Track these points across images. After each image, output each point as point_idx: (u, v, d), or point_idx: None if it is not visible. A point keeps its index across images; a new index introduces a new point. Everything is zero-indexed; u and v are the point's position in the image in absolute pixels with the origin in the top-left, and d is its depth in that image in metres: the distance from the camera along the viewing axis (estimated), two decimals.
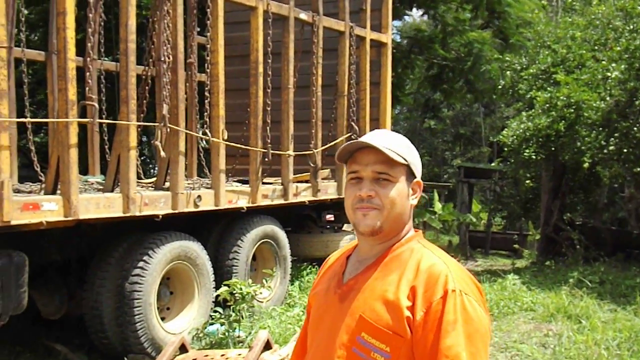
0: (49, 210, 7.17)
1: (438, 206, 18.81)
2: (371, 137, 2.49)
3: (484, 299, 2.42)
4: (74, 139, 7.38)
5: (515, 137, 12.65)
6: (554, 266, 12.88)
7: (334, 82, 11.33)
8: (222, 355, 7.22)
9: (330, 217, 12.16)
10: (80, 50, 8.01)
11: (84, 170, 9.79)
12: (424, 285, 2.32)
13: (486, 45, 18.61)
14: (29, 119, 8.80)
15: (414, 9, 19.79)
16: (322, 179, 11.03)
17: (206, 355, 7.27)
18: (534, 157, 12.64)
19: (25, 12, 9.90)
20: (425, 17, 21.57)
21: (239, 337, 8.22)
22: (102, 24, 8.76)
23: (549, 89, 12.57)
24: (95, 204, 7.65)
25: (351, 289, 2.49)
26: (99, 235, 8.45)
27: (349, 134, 11.25)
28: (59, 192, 7.38)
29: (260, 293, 9.38)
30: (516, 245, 16.49)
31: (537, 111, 12.35)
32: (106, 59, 9.21)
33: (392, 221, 2.46)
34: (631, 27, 12.38)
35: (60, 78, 7.48)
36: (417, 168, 2.54)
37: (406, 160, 2.46)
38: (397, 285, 2.36)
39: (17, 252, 7.02)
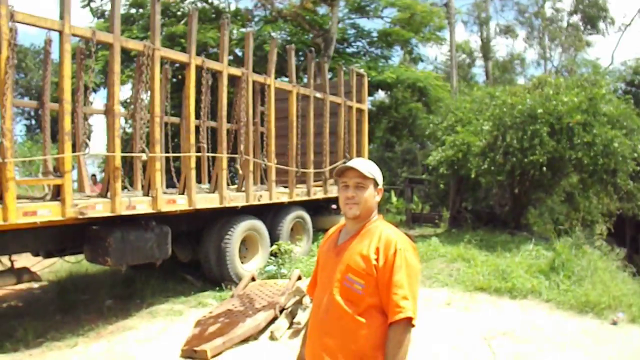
0: (181, 203, 7.53)
1: (394, 200, 19.15)
2: (353, 162, 2.67)
3: (417, 253, 2.62)
4: (193, 164, 7.76)
5: (435, 161, 12.84)
6: (457, 232, 13.09)
7: (335, 131, 11.59)
8: (275, 283, 7.61)
9: (334, 206, 12.20)
10: (197, 115, 8.19)
11: (198, 180, 10.29)
12: (383, 246, 2.53)
13: (419, 111, 19.05)
14: (171, 154, 9.27)
15: (380, 90, 20.15)
16: (329, 185, 11.30)
17: (266, 283, 7.68)
18: (445, 172, 12.91)
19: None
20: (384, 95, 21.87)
21: (283, 273, 8.42)
22: (210, 100, 9.14)
23: (453, 135, 12.86)
24: (205, 200, 8.02)
25: (342, 249, 2.66)
26: (207, 217, 8.58)
27: (344, 160, 11.31)
28: (186, 193, 7.68)
29: (295, 249, 9.63)
30: (437, 221, 16.69)
31: (447, 147, 12.61)
32: (214, 121, 9.56)
33: (365, 211, 2.64)
34: (494, 102, 12.80)
35: (185, 130, 8.01)
36: (379, 180, 2.69)
37: (373, 176, 2.64)
38: (368, 246, 2.56)
39: (165, 225, 7.39)
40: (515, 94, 12.94)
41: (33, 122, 29.64)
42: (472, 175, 12.02)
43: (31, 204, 5.82)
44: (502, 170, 11.77)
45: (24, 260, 7.59)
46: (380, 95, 21.99)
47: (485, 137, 12.10)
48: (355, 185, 2.65)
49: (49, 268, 8.38)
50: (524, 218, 14.22)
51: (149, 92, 7.34)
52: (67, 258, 7.81)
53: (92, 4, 18.48)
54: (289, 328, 6.33)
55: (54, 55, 7.00)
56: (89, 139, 6.85)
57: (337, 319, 2.56)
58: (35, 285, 7.82)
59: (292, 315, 6.53)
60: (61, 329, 6.60)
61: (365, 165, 2.68)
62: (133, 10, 18.69)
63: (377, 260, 2.52)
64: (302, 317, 6.40)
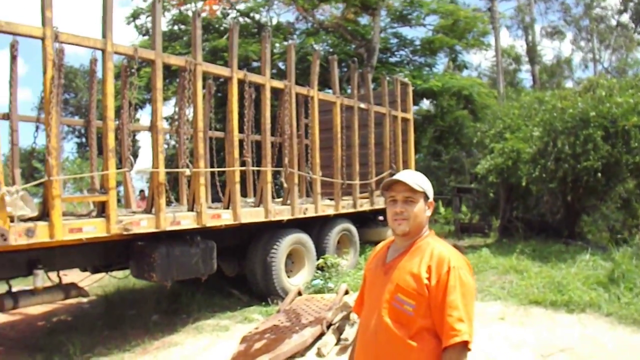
0: (225, 218, 7.49)
1: (442, 210, 18.78)
2: (401, 175, 2.54)
3: (471, 271, 2.46)
4: (237, 178, 7.72)
5: (484, 169, 12.56)
6: (508, 242, 12.72)
7: (381, 141, 11.39)
8: (322, 297, 7.45)
9: (380, 218, 12.03)
10: (240, 129, 8.22)
11: (244, 194, 10.29)
12: (436, 264, 2.37)
13: (465, 118, 18.72)
14: (215, 169, 9.32)
15: (425, 99, 19.89)
16: (376, 196, 11.12)
17: (313, 297, 7.52)
18: (494, 180, 12.62)
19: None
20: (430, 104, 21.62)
21: (330, 287, 8.30)
22: (253, 115, 9.13)
23: (501, 142, 12.57)
24: (250, 214, 7.94)
25: (391, 267, 2.51)
26: (252, 231, 8.53)
27: (390, 171, 11.31)
28: (230, 207, 7.66)
29: (342, 262, 9.53)
30: (486, 231, 16.26)
31: (496, 155, 12.34)
32: (258, 135, 9.48)
33: (415, 227, 2.50)
34: (543, 107, 12.45)
35: (229, 144, 8.03)
36: (430, 193, 2.54)
37: (423, 189, 2.49)
38: (419, 265, 2.40)
39: (210, 240, 7.35)
40: (565, 97, 12.51)
41: (83, 139, 30.44)
42: (523, 183, 11.71)
43: (77, 220, 5.86)
44: (553, 177, 11.41)
45: (73, 275, 7.69)
46: (426, 104, 21.76)
47: (535, 144, 11.78)
48: (404, 200, 2.52)
49: (97, 283, 8.44)
50: (578, 226, 13.74)
51: (192, 107, 7.34)
52: (114, 273, 7.84)
53: (137, 22, 18.84)
54: (336, 344, 6.15)
55: (100, 73, 7.09)
56: (133, 156, 6.87)
57: (386, 342, 2.41)
58: (84, 300, 7.89)
59: (339, 331, 6.36)
60: (108, 344, 6.63)
61: (414, 178, 2.55)
62: (175, 27, 18.97)
63: (428, 279, 2.38)
64: (349, 333, 6.24)
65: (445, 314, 2.31)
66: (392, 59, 20.65)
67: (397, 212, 2.52)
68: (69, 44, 5.86)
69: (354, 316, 6.51)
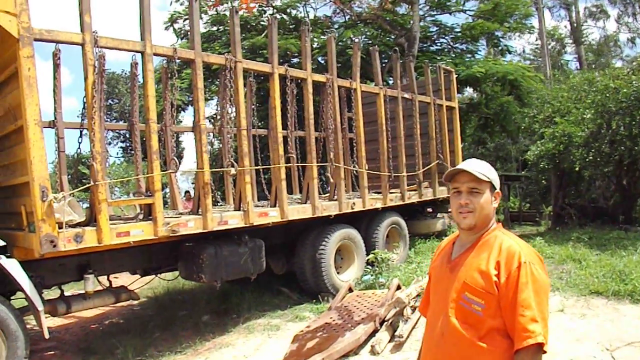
0: (273, 215, 7.39)
1: None
2: (466, 165, 2.38)
3: (544, 266, 2.27)
4: (283, 175, 7.61)
5: (534, 156, 12.16)
6: (562, 230, 12.29)
7: (426, 131, 11.16)
8: (373, 293, 7.31)
9: (429, 209, 11.85)
10: (284, 125, 8.07)
11: (290, 191, 10.18)
12: (505, 260, 2.21)
13: (511, 104, 18.18)
14: (260, 167, 9.15)
15: (468, 87, 19.41)
16: (424, 188, 10.87)
17: (364, 293, 7.39)
18: (546, 167, 12.18)
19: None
20: (473, 92, 21.12)
21: (381, 282, 8.10)
22: (296, 111, 8.98)
23: (551, 127, 12.14)
24: (297, 211, 7.83)
25: (457, 264, 2.37)
26: (300, 228, 8.47)
27: (437, 161, 11.06)
28: (277, 205, 7.57)
29: (392, 256, 9.28)
30: (537, 219, 15.83)
31: (546, 140, 11.90)
32: (301, 130, 9.35)
33: (482, 220, 2.34)
34: (594, 89, 11.95)
35: (273, 141, 7.85)
36: (497, 183, 2.38)
37: (489, 178, 2.33)
38: (487, 260, 2.25)
39: (258, 239, 7.32)
40: (617, 77, 11.96)
41: (128, 143, 30.98)
42: (576, 169, 11.29)
43: (124, 224, 5.81)
44: (609, 161, 10.96)
45: (124, 278, 7.80)
46: (469, 92, 21.25)
47: (587, 127, 11.34)
48: (469, 191, 2.35)
49: (147, 285, 8.49)
50: (635, 211, 13.16)
51: (234, 106, 7.24)
52: (163, 275, 7.84)
53: (175, 26, 18.92)
54: (390, 341, 5.99)
55: (141, 77, 7.06)
56: (178, 157, 6.82)
57: (454, 344, 2.26)
58: (135, 302, 7.91)
59: (392, 327, 6.18)
60: (160, 346, 6.64)
61: (479, 167, 2.37)
62: (214, 28, 18.98)
63: (497, 276, 2.20)
64: (403, 329, 6.06)
65: (517, 313, 2.13)
66: (433, 48, 20.24)
67: (462, 204, 2.35)
68: (109, 48, 5.83)
69: (407, 311, 6.39)
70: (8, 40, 5.10)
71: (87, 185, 5.53)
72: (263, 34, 17.19)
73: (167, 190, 10.63)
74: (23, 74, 5.00)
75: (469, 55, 19.76)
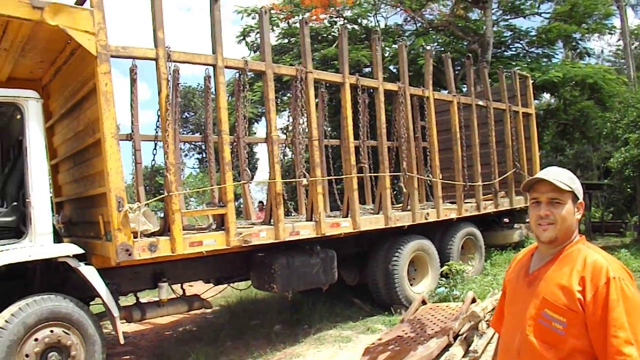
0: (344, 226, 7.34)
1: None
2: (545, 173, 2.21)
3: (634, 281, 2.05)
4: (355, 185, 7.53)
5: (618, 163, 11.57)
6: None
7: (502, 139, 10.76)
8: (447, 306, 7.06)
9: (506, 220, 11.47)
10: (356, 135, 8.05)
11: (363, 201, 10.07)
12: (590, 275, 2.01)
13: (591, 109, 17.34)
14: (332, 177, 9.17)
15: (544, 92, 18.65)
16: (500, 197, 10.55)
17: (438, 306, 7.16)
18: (631, 174, 11.55)
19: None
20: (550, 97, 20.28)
21: (455, 295, 7.88)
22: (368, 120, 8.86)
23: (636, 132, 11.50)
24: (369, 221, 7.74)
25: (535, 278, 2.19)
26: (373, 238, 8.36)
27: (514, 170, 10.68)
28: (349, 215, 7.51)
29: (467, 268, 9.06)
30: (622, 229, 15.01)
31: (631, 146, 11.24)
32: (373, 140, 9.27)
33: (564, 232, 2.16)
34: None
35: (345, 151, 7.84)
36: (579, 193, 2.20)
37: (571, 188, 2.15)
38: (570, 275, 2.06)
39: (330, 250, 7.27)
40: None
41: (204, 155, 31.78)
42: None
43: (197, 234, 5.90)
44: None
45: (198, 286, 7.88)
46: (546, 97, 20.44)
47: None
48: (549, 202, 2.16)
49: (220, 294, 8.56)
50: None
51: (305, 116, 7.21)
52: (236, 284, 7.90)
53: (247, 39, 19.20)
54: (464, 357, 5.74)
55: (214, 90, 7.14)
56: (252, 168, 6.86)
57: None
58: (208, 310, 7.99)
59: (467, 342, 5.93)
60: (231, 355, 6.65)
61: (560, 175, 2.18)
62: (285, 41, 19.15)
63: (582, 292, 2.00)
64: (478, 344, 5.82)
65: (609, 334, 1.92)
66: (507, 53, 19.62)
67: (542, 215, 2.16)
68: (181, 62, 5.95)
69: (482, 326, 6.14)
70: (87, 57, 5.29)
71: (161, 196, 5.63)
72: (334, 45, 17.18)
73: (242, 200, 10.70)
74: (100, 90, 5.16)
75: (545, 60, 19.03)
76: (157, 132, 6.25)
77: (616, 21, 21.67)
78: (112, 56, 5.30)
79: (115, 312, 5.38)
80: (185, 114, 35.50)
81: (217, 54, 6.06)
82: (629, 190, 13.77)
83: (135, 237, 5.28)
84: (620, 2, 21.47)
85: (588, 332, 1.98)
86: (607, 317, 1.93)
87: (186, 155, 34.89)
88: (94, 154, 5.75)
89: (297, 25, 17.61)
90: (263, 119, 19.04)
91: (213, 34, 6.10)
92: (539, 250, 2.28)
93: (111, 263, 5.32)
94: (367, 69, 16.96)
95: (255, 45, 19.15)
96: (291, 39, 19.12)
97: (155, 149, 6.40)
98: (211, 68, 6.30)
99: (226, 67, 6.19)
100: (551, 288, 2.09)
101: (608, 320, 1.92)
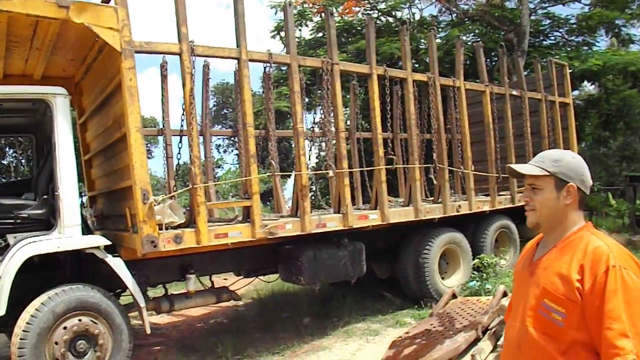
0: (373, 218, 7.30)
1: (612, 201, 16.89)
2: (520, 164, 2.19)
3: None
4: (383, 178, 7.46)
5: None
6: None
7: (537, 130, 10.44)
8: (478, 300, 6.90)
9: None
10: (386, 127, 8.03)
11: (396, 194, 10.00)
12: (590, 263, 1.92)
13: (635, 98, 16.75)
14: (358, 169, 9.18)
15: (585, 82, 18.07)
16: None
17: (468, 300, 7.02)
18: None
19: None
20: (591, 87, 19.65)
21: (487, 289, 7.74)
22: (400, 112, 8.75)
23: None
24: (398, 214, 7.67)
25: (536, 267, 2.11)
26: (404, 231, 8.27)
27: None
28: (378, 207, 7.44)
29: (500, 262, 8.90)
30: None
31: None
32: (404, 133, 9.11)
33: (546, 218, 2.09)
34: None
35: (374, 143, 7.71)
36: (566, 176, 2.05)
37: (548, 172, 2.05)
38: (570, 263, 1.97)
39: (358, 242, 7.22)
40: None
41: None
42: None
43: (222, 226, 5.95)
44: None
45: (231, 278, 7.97)
46: (588, 88, 19.83)
47: None
48: (529, 187, 2.13)
49: (252, 286, 8.63)
50: None
51: (333, 108, 7.18)
52: (265, 277, 7.93)
53: (282, 33, 19.19)
54: (492, 351, 5.59)
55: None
56: (288, 163, 6.90)
57: (532, 357, 2.01)
58: (240, 302, 8.08)
59: (495, 336, 5.79)
60: (259, 347, 6.69)
61: (540, 159, 2.12)
62: (319, 34, 19.06)
63: (581, 281, 1.91)
64: None
65: (603, 325, 1.83)
66: (546, 42, 19.08)
67: (523, 201, 2.18)
68: (205, 56, 6.03)
69: None
70: (113, 54, 5.40)
71: (187, 188, 5.69)
72: None
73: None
74: (125, 85, 5.25)
75: (586, 48, 18.46)
76: (182, 126, 6.30)
77: None
78: (136, 52, 5.37)
79: (142, 303, 5.49)
80: (225, 110, 35.82)
81: (241, 47, 6.07)
82: None
83: (160, 229, 5.36)
84: None
85: (587, 324, 1.90)
86: (603, 307, 1.84)
87: (225, 151, 35.24)
88: (121, 148, 5.85)
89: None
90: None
91: (237, 27, 6.11)
92: (544, 239, 2.20)
93: (137, 254, 5.41)
94: (401, 62, 16.76)
95: None
96: (325, 33, 19.01)
97: (180, 142, 6.47)
98: (236, 61, 6.30)
99: (250, 60, 6.20)
100: (551, 277, 2.01)
101: (604, 311, 1.84)
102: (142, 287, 5.73)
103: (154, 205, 5.26)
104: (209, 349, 6.60)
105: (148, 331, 5.52)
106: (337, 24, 17.69)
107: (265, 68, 6.68)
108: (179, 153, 6.48)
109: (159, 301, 6.21)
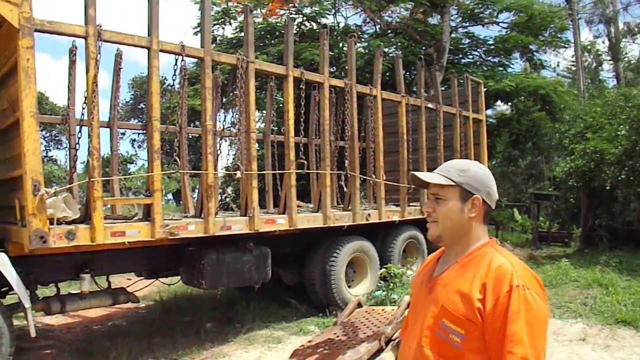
0: (280, 223, 7.19)
1: (518, 217, 17.71)
2: (425, 173, 2.05)
3: (544, 292, 1.85)
4: (293, 182, 7.40)
5: (563, 173, 11.77)
6: (590, 253, 11.77)
7: (451, 144, 10.70)
8: (383, 309, 6.92)
9: None
10: (299, 132, 7.99)
11: (308, 200, 9.96)
12: (493, 281, 1.79)
13: (543, 120, 17.66)
14: (272, 172, 9.11)
15: (499, 101, 18.90)
16: None
17: (373, 309, 7.02)
18: (575, 184, 11.72)
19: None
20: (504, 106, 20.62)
21: (393, 299, 7.82)
22: (317, 119, 8.64)
23: (582, 143, 11.70)
24: (307, 219, 7.61)
25: (436, 283, 1.96)
26: (312, 238, 8.22)
27: None
28: (286, 212, 7.32)
29: (406, 272, 8.93)
30: (567, 240, 15.32)
31: (576, 157, 11.42)
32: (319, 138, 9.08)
33: (449, 231, 1.96)
34: (630, 104, 11.49)
35: (286, 147, 7.66)
36: (472, 187, 1.93)
37: (455, 182, 1.93)
38: (471, 281, 1.84)
39: (264, 247, 7.11)
40: None
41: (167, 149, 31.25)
42: (607, 188, 10.85)
43: (120, 224, 5.65)
44: None
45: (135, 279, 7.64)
46: (501, 107, 20.71)
47: (621, 143, 10.92)
48: (432, 197, 1.99)
49: (155, 287, 8.32)
50: None
51: (244, 108, 7.03)
52: (165, 280, 7.67)
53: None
54: None
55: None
56: (179, 157, 6.65)
57: None
58: (141, 305, 7.76)
59: (398, 347, 5.81)
60: (156, 352, 6.45)
61: (445, 169, 2.00)
62: (242, 34, 18.87)
63: (482, 301, 1.79)
64: None
65: (505, 349, 1.72)
66: (464, 60, 19.79)
67: (425, 211, 2.03)
68: (113, 42, 5.68)
69: None
70: (11, 30, 5.02)
71: (82, 181, 5.40)
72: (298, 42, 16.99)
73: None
74: (22, 65, 4.92)
75: (501, 69, 19.29)
76: (83, 115, 5.98)
77: (571, 36, 22.19)
78: (36, 30, 5.03)
79: (27, 303, 5.11)
80: (142, 104, 34.76)
81: (152, 36, 5.84)
82: (572, 200, 14.04)
83: (52, 223, 5.02)
84: (574, 16, 21.96)
85: (487, 347, 1.78)
86: (505, 330, 1.73)
87: (140, 146, 34.19)
88: (15, 134, 5.43)
89: (257, 19, 17.42)
90: (222, 111, 18.82)
91: (150, 15, 5.88)
92: (445, 253, 2.06)
93: (25, 250, 5.05)
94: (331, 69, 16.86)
95: (214, 37, 18.82)
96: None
97: (80, 132, 6.13)
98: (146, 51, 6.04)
99: (161, 50, 5.96)
100: (451, 295, 1.87)
101: (507, 333, 1.72)
102: (31, 286, 5.38)
103: (46, 197, 4.93)
104: (102, 353, 6.26)
105: (33, 334, 5.13)
106: (261, 25, 17.60)
107: (176, 60, 6.43)
108: (77, 143, 6.07)
109: (49, 301, 5.83)
